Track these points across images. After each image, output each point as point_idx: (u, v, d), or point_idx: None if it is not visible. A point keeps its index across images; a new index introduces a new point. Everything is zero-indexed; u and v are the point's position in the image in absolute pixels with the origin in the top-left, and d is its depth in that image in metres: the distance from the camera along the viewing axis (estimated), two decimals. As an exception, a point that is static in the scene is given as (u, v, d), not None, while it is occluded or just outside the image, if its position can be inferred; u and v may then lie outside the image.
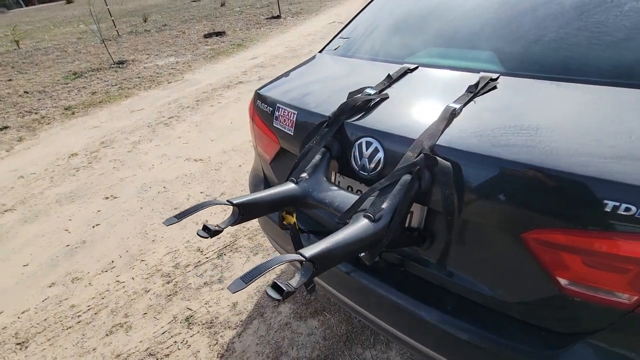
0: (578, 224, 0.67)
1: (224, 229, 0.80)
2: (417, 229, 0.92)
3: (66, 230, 2.51)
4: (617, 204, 0.63)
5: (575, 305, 0.74)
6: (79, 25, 13.77)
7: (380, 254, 0.82)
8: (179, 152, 3.44)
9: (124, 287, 1.99)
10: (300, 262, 0.63)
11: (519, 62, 1.01)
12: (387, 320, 1.05)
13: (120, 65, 6.94)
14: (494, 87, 0.95)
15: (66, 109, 4.96)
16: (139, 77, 6.13)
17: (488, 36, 1.12)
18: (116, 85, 5.82)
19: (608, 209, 0.63)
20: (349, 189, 1.06)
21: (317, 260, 0.63)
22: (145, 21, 12.53)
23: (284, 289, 0.58)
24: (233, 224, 0.84)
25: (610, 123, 0.76)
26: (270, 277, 1.95)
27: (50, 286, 2.05)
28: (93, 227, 2.51)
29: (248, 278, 0.59)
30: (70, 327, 1.78)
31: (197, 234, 0.79)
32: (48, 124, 4.54)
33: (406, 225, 0.95)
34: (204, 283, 1.95)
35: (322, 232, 1.09)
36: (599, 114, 0.80)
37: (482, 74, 1.00)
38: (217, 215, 2.47)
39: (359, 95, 1.02)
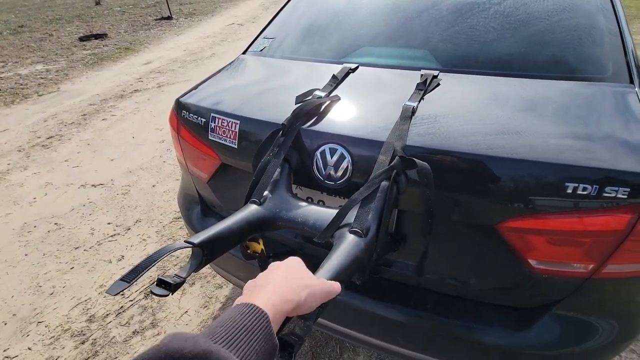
0: (543, 208, 0.72)
1: (185, 278, 0.63)
2: (389, 234, 0.89)
3: None
4: (577, 185, 0.68)
5: (542, 282, 0.80)
6: None
7: (371, 269, 0.75)
8: (69, 179, 2.84)
9: (17, 362, 1.53)
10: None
11: (454, 59, 1.06)
12: (371, 333, 1.00)
13: (-37, 77, 5.46)
14: (439, 84, 0.97)
15: None
16: (-6, 91, 4.91)
17: (421, 35, 1.15)
18: (-40, 102, 4.55)
19: (569, 191, 0.69)
20: (309, 200, 0.98)
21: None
22: (-8, 21, 10.15)
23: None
24: (197, 269, 0.67)
25: (564, 112, 0.84)
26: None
27: None
28: (-46, 292, 1.89)
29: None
30: None
31: (152, 292, 0.60)
32: None
33: None
34: (133, 332, 1.63)
35: (289, 252, 0.98)
36: (551, 105, 0.87)
37: (423, 71, 1.02)
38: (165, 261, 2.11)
39: (309, 98, 0.94)
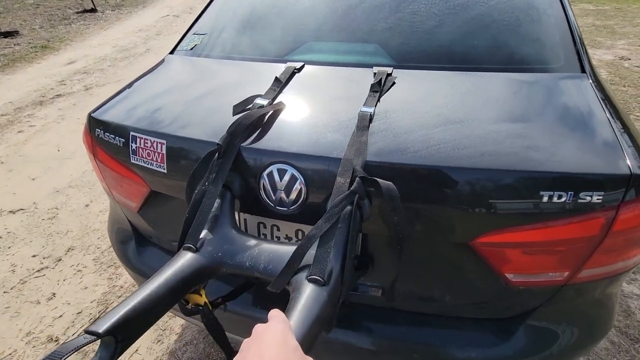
0: (519, 220, 0.66)
1: None
2: (356, 257, 0.79)
3: None
4: (552, 193, 0.62)
5: (519, 294, 0.76)
6: None
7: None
8: (-21, 207, 2.42)
9: None
10: None
11: (408, 53, 0.97)
12: None
13: None
14: (394, 83, 0.87)
15: None
16: None
17: (370, 27, 1.04)
18: None
19: (545, 200, 0.63)
20: (261, 226, 0.84)
21: None
22: None
23: None
24: (114, 358, 0.51)
25: (528, 111, 0.78)
26: None
27: None
28: None
29: None
30: None
31: None
32: None
33: None
34: (72, 385, 1.40)
35: (239, 289, 0.83)
36: (514, 104, 0.81)
37: (375, 69, 0.91)
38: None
39: (249, 107, 0.80)
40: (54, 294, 1.78)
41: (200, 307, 0.67)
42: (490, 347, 0.81)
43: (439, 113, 0.77)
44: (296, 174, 0.70)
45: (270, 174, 0.72)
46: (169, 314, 1.68)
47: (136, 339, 0.54)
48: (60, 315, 1.68)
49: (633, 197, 0.64)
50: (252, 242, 0.67)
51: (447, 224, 0.69)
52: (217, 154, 0.71)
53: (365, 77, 0.89)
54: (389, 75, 0.89)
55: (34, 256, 2.02)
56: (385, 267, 0.78)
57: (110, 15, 8.61)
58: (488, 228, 0.67)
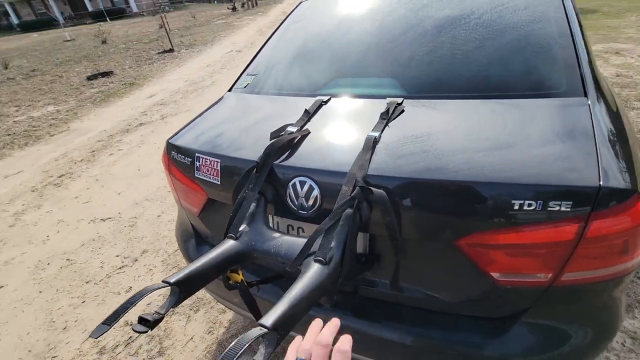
0: (498, 224, 0.77)
1: (164, 314, 0.70)
2: (364, 255, 0.95)
3: None
4: (522, 202, 0.74)
5: (507, 293, 0.84)
6: None
7: (338, 293, 0.81)
8: (79, 215, 2.98)
9: (33, 398, 1.61)
10: (263, 333, 0.58)
11: (417, 85, 1.13)
12: (354, 350, 1.04)
13: (-20, 124, 5.78)
14: (402, 111, 1.04)
15: None
16: (9, 134, 5.19)
17: (387, 64, 1.23)
18: (-22, 148, 4.82)
19: (516, 207, 0.74)
20: (290, 228, 1.04)
21: (280, 326, 0.59)
22: (6, 68, 10.75)
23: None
24: (175, 305, 0.74)
25: (515, 131, 0.89)
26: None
27: None
28: (-26, 332, 1.99)
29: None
30: None
31: (134, 330, 0.67)
32: None
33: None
34: (141, 362, 1.70)
35: (271, 277, 1.04)
36: (500, 125, 0.93)
37: (388, 99, 1.09)
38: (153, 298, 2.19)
39: (282, 134, 1.02)
40: (130, 287, 2.15)
41: (238, 284, 0.89)
42: (487, 345, 0.89)
43: (433, 135, 0.92)
44: (313, 184, 0.90)
45: (294, 185, 0.93)
46: (219, 309, 1.93)
47: (192, 294, 0.76)
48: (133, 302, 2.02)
49: (604, 207, 0.72)
50: (277, 235, 0.88)
51: (435, 226, 0.82)
52: (255, 169, 0.94)
53: (379, 107, 1.07)
54: (398, 104, 1.06)
55: (117, 256, 2.44)
56: (389, 264, 0.93)
57: (184, 53, 9.87)
58: (470, 231, 0.79)
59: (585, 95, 0.97)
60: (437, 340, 0.93)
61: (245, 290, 0.91)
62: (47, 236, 2.76)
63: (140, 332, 0.66)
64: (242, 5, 24.49)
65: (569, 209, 0.72)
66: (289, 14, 1.86)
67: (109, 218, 2.88)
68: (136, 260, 2.38)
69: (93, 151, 4.21)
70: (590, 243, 0.75)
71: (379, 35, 1.35)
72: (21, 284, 2.29)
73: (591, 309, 0.87)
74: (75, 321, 1.97)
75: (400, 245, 0.88)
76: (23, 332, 1.94)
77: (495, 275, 0.82)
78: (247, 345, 0.52)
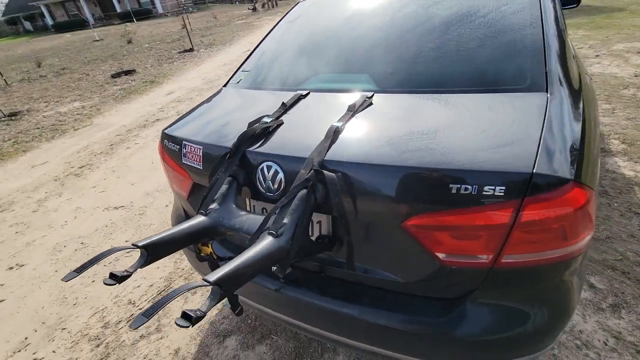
0: (438, 206, 0.83)
1: (132, 272, 0.81)
2: (327, 236, 1.03)
3: (-39, 315, 2.15)
4: (459, 186, 0.79)
5: (454, 273, 0.90)
6: (-46, 78, 11.97)
7: (291, 265, 0.89)
8: (95, 203, 3.18)
9: (43, 363, 1.77)
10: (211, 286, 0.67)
11: (387, 81, 1.20)
12: (320, 325, 1.12)
13: (13, 117, 6.21)
14: (370, 104, 1.11)
15: (-54, 175, 4.26)
16: (38, 128, 5.55)
17: (363, 61, 1.31)
18: (10, 139, 5.18)
19: (454, 191, 0.80)
20: (264, 211, 1.13)
21: (224, 282, 0.68)
22: (39, 66, 11.41)
23: (193, 315, 0.61)
24: (142, 266, 0.85)
25: (461, 124, 0.95)
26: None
27: (-55, 386, 1.73)
28: (-4, 304, 2.19)
29: (150, 312, 0.61)
30: None
31: (104, 282, 0.79)
32: None
33: (317, 234, 1.05)
34: (140, 336, 1.83)
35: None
36: (452, 117, 0.99)
37: (360, 93, 1.16)
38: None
39: (257, 124, 1.11)
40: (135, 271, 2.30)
41: (207, 257, 0.99)
42: (438, 324, 0.94)
43: (390, 125, 0.99)
44: (278, 169, 0.98)
45: (262, 169, 1.01)
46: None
47: (159, 259, 0.87)
48: (138, 286, 2.17)
49: (537, 193, 0.77)
50: (242, 213, 0.97)
51: (382, 208, 0.89)
52: (228, 155, 1.04)
53: (351, 100, 1.15)
54: (368, 98, 1.13)
55: (126, 241, 2.61)
56: (349, 246, 1.00)
57: (203, 53, 10.17)
58: (414, 213, 0.85)
59: (547, 91, 1.01)
60: (393, 318, 0.99)
61: (214, 263, 1.00)
62: (65, 221, 2.97)
63: (108, 285, 0.77)
64: (263, 6, 24.86)
65: (502, 194, 0.77)
66: (285, 14, 1.96)
67: (122, 206, 3.07)
68: (116, 246, 2.53)
69: (112, 145, 4.46)
70: (525, 227, 0.79)
71: (357, 36, 1.43)
72: (40, 264, 2.50)
73: (540, 291, 0.91)
74: (85, 298, 2.14)
75: (356, 227, 0.95)
76: (38, 306, 2.13)
77: (440, 255, 0.88)
78: (185, 290, 0.62)
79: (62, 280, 0.76)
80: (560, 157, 0.82)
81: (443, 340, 0.95)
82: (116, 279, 0.78)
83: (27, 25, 45.06)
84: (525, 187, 0.77)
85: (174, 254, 2.31)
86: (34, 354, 1.83)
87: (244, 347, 1.70)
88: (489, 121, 0.94)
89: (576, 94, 1.09)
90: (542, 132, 0.86)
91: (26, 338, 1.93)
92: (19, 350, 1.86)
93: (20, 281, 2.36)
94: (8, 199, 3.48)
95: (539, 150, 0.81)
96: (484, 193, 0.78)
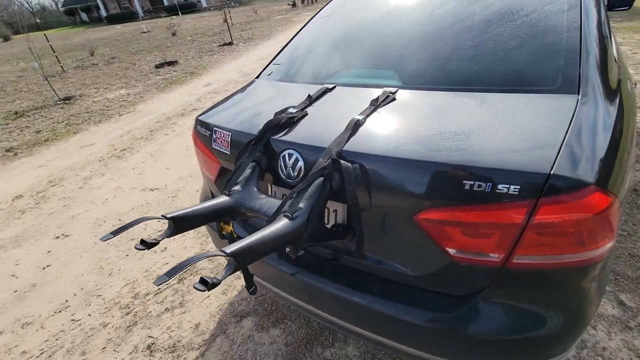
0: (451, 202, 0.84)
1: (160, 241, 0.89)
2: (342, 224, 1.06)
3: (13, 275, 2.40)
4: (472, 182, 0.80)
5: (464, 270, 0.90)
6: (19, 63, 13.13)
7: (304, 248, 0.94)
8: (133, 184, 3.41)
9: (79, 325, 1.95)
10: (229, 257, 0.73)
11: (412, 78, 1.21)
12: (330, 311, 1.16)
13: (67, 102, 6.73)
14: (393, 99, 1.13)
15: (7, 150, 4.72)
16: (87, 112, 5.98)
17: (390, 57, 1.32)
18: (63, 121, 5.64)
19: (467, 188, 0.80)
20: (283, 197, 1.19)
21: (239, 255, 0.74)
22: (92, 55, 12.24)
23: (209, 281, 0.67)
24: (169, 236, 0.92)
25: (483, 123, 0.95)
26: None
27: (-3, 335, 1.95)
28: (43, 268, 2.42)
29: (172, 272, 0.68)
30: (22, 374, 1.72)
31: (135, 247, 0.87)
32: (-12, 168, 4.30)
33: (332, 222, 1.08)
34: (165, 309, 1.96)
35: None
36: (475, 116, 0.99)
37: (384, 89, 1.18)
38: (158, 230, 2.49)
39: (283, 114, 1.16)
40: (165, 248, 2.46)
41: (228, 234, 1.06)
42: (444, 319, 0.95)
43: (411, 121, 1.00)
44: (299, 157, 1.03)
45: (284, 156, 1.06)
46: (234, 276, 2.14)
47: (184, 231, 0.94)
48: (167, 263, 2.32)
49: (554, 194, 0.76)
50: (262, 196, 1.03)
51: (395, 200, 0.90)
52: (253, 141, 1.10)
53: (375, 95, 1.17)
54: (391, 93, 1.15)
55: (158, 221, 2.78)
56: (363, 235, 1.03)
57: (242, 47, 10.45)
58: (426, 207, 0.86)
59: (578, 93, 0.98)
60: (401, 310, 1.01)
61: (234, 241, 1.06)
62: (106, 199, 3.21)
63: (138, 249, 0.86)
64: (302, 2, 25.06)
65: (516, 193, 0.77)
66: (320, 9, 2.00)
67: (157, 189, 3.27)
68: (149, 215, 2.69)
69: (151, 131, 4.73)
70: (538, 228, 0.78)
71: (388, 33, 1.44)
72: (82, 235, 2.72)
73: (553, 295, 0.89)
74: (119, 270, 2.31)
75: (369, 217, 0.98)
76: (78, 273, 2.33)
77: (451, 251, 0.89)
78: (204, 257, 0.68)
79: (100, 239, 0.86)
80: (584, 160, 0.80)
81: (449, 336, 0.96)
82: (145, 245, 0.87)
83: (84, 16, 48.37)
84: (541, 187, 0.76)
85: (201, 239, 2.45)
86: (72, 315, 2.01)
87: (259, 328, 1.78)
88: (510, 119, 0.93)
89: (612, 99, 1.05)
90: (566, 134, 0.84)
91: (66, 300, 2.13)
92: (60, 311, 2.06)
93: (64, 249, 2.59)
94: (59, 175, 3.80)
95: (560, 151, 0.79)
96: (497, 191, 0.78)
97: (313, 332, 1.72)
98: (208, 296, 2.01)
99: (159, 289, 2.11)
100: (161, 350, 1.74)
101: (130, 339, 1.81)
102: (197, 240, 2.47)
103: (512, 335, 0.92)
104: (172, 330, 1.83)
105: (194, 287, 0.68)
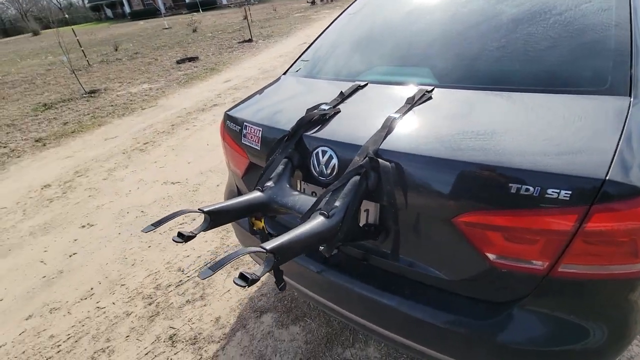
0: (494, 205, 0.81)
1: (196, 234, 0.89)
2: (374, 224, 1.04)
3: (41, 261, 2.48)
4: (519, 186, 0.77)
5: (504, 276, 0.87)
6: (47, 57, 13.60)
7: (337, 247, 0.92)
8: (155, 177, 3.47)
9: (104, 312, 1.99)
10: (266, 253, 0.73)
11: (448, 76, 1.17)
12: (357, 312, 1.15)
13: (92, 95, 6.92)
14: (430, 98, 1.10)
15: (37, 140, 4.89)
16: (112, 105, 6.13)
17: (425, 55, 1.29)
18: (89, 114, 5.80)
19: (513, 191, 0.77)
20: (313, 194, 1.17)
21: (277, 251, 0.73)
22: (116, 50, 12.54)
23: (249, 277, 0.67)
24: (205, 230, 0.93)
25: (529, 124, 0.91)
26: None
27: (27, 319, 2.02)
28: (70, 256, 2.49)
29: (216, 267, 0.68)
30: (50, 358, 1.77)
31: (173, 239, 0.88)
32: (18, 157, 4.46)
33: (364, 222, 1.06)
34: (186, 301, 1.99)
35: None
36: (521, 116, 0.95)
37: (419, 87, 1.15)
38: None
39: (315, 110, 1.15)
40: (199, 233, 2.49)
41: (260, 230, 1.06)
42: (480, 327, 0.92)
43: (449, 120, 0.97)
44: (333, 154, 1.01)
45: (317, 153, 1.05)
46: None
47: (219, 225, 0.94)
48: (188, 255, 2.35)
49: (607, 201, 0.72)
50: (295, 193, 1.02)
51: (433, 201, 0.87)
52: (286, 138, 1.09)
53: (410, 93, 1.14)
54: (427, 92, 1.12)
55: (185, 216, 2.82)
56: (396, 236, 1.00)
57: (261, 44, 10.51)
58: (467, 209, 0.83)
59: (630, 95, 0.93)
60: (432, 314, 0.98)
61: (265, 237, 1.06)
62: (130, 190, 3.28)
63: (177, 242, 0.86)
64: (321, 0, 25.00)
65: (567, 198, 0.73)
66: (348, 6, 1.97)
67: (178, 182, 3.31)
68: (194, 219, 2.72)
69: (173, 125, 4.81)
70: (589, 236, 0.75)
71: (420, 30, 1.40)
72: (106, 225, 2.79)
73: (598, 308, 0.84)
74: (142, 260, 2.36)
75: (404, 218, 0.95)
76: (103, 262, 2.39)
77: (491, 256, 0.86)
78: (245, 253, 0.67)
79: (141, 231, 0.87)
80: (638, 166, 0.76)
81: (483, 343, 0.93)
82: (183, 237, 0.87)
83: (109, 12, 49.69)
84: (595, 194, 0.72)
85: (221, 233, 2.47)
86: (97, 302, 2.06)
87: (279, 325, 1.78)
88: (558, 122, 0.89)
89: None
90: (620, 137, 0.80)
91: (92, 288, 2.18)
92: (85, 298, 2.11)
93: (89, 238, 2.66)
94: (85, 166, 3.91)
95: (615, 156, 0.75)
96: (546, 196, 0.75)
97: (333, 331, 1.71)
98: (228, 290, 2.03)
99: (181, 280, 2.14)
100: (183, 342, 1.76)
101: (152, 329, 1.85)
102: (218, 234, 2.49)
103: (550, 346, 0.88)
104: (193, 323, 1.85)
105: (234, 282, 0.68)
